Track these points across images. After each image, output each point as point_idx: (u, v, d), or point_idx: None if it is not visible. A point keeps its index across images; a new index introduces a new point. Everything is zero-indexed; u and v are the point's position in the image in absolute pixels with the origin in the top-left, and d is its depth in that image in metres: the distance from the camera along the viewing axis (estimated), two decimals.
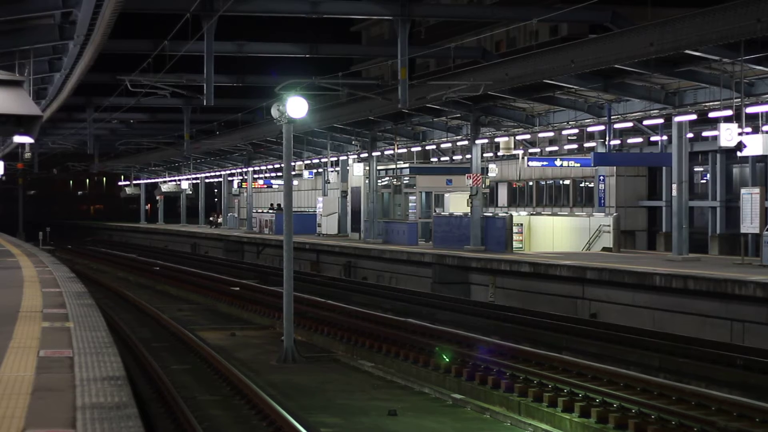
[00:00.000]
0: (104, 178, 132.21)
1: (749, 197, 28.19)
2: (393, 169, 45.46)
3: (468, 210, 37.49)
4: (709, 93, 28.23)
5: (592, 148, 38.55)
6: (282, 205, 28.84)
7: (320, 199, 55.91)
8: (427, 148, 48.95)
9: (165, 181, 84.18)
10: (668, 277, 24.66)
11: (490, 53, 46.25)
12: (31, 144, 47.84)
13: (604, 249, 35.60)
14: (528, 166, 40.25)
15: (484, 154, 41.41)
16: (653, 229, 41.89)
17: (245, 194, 68.13)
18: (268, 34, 64.49)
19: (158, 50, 35.22)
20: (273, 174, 66.67)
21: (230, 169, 73.81)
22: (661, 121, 32.30)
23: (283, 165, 26.79)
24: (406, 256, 37.83)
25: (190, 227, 77.15)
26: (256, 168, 66.62)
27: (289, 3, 34.14)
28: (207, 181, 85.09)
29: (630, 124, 33.74)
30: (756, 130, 26.21)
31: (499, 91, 32.09)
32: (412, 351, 22.09)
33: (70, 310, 14.33)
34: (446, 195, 44.77)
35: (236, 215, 76.70)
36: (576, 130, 36.11)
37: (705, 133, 34.76)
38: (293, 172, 26.52)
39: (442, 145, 45.99)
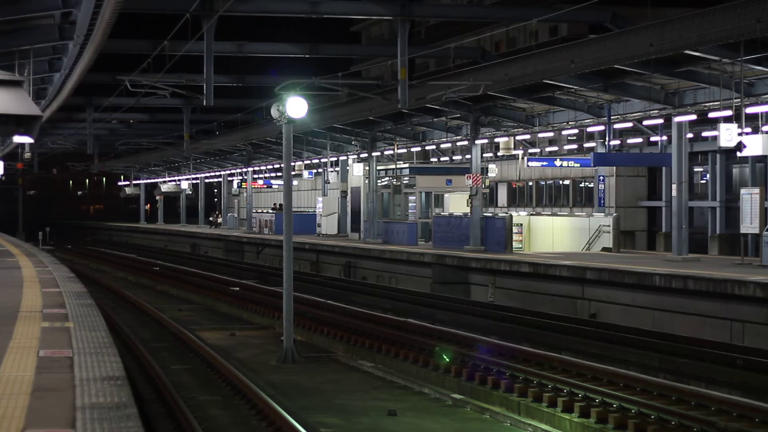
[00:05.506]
0: (104, 178, 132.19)
1: (749, 197, 28.20)
2: (393, 169, 45.44)
3: (468, 210, 37.48)
4: (708, 93, 28.22)
5: (591, 148, 38.54)
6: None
7: (320, 199, 55.91)
8: (427, 148, 48.94)
9: (165, 181, 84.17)
10: (668, 277, 24.66)
11: (489, 53, 46.24)
12: (31, 144, 47.82)
13: (604, 249, 35.60)
14: (528, 166, 40.25)
15: (484, 154, 41.39)
16: (653, 229, 41.88)
17: (245, 194, 68.14)
18: (268, 34, 64.61)
19: (158, 50, 35.19)
20: (273, 174, 66.67)
21: (230, 169, 73.80)
22: (660, 121, 32.30)
23: (282, 165, 26.78)
24: (405, 257, 37.82)
25: (189, 227, 77.13)
26: (256, 168, 66.61)
27: (289, 3, 34.13)
28: (207, 181, 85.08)
29: (630, 125, 33.73)
30: (756, 131, 26.22)
31: (499, 91, 32.09)
32: (412, 351, 22.07)
33: (70, 310, 14.33)
34: (446, 195, 44.77)
35: (236, 215, 76.71)
36: (576, 131, 36.10)
37: (705, 134, 34.76)
38: (293, 172, 26.50)
39: (442, 146, 45.98)
